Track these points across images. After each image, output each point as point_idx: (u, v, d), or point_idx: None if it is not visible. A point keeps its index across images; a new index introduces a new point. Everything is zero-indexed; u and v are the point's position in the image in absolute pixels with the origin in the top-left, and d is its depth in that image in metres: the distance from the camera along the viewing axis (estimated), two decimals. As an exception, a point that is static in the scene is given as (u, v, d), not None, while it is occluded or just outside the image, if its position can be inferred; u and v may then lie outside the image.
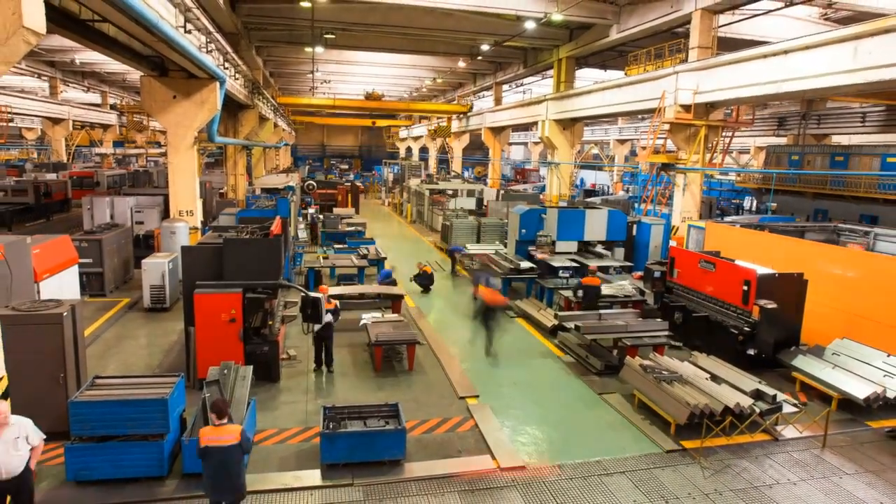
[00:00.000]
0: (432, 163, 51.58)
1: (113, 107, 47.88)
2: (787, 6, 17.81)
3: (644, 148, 20.36)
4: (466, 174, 50.61)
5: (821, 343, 10.88)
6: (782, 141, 31.53)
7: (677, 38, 19.80)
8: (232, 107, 23.83)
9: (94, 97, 47.22)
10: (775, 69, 14.27)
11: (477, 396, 9.63)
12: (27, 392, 7.25)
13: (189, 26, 12.94)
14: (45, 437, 5.82)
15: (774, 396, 8.73)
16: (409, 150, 62.30)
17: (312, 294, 9.47)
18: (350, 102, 41.48)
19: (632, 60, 21.66)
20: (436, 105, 47.16)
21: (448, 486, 7.07)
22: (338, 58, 34.58)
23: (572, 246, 16.73)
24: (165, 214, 18.16)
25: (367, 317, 11.86)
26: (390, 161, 53.71)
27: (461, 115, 41.71)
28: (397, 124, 62.38)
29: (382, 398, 9.43)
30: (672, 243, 17.05)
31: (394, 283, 15.13)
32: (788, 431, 8.63)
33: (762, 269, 11.08)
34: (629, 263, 16.94)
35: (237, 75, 20.35)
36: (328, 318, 10.19)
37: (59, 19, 9.96)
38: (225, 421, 5.80)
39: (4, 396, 5.88)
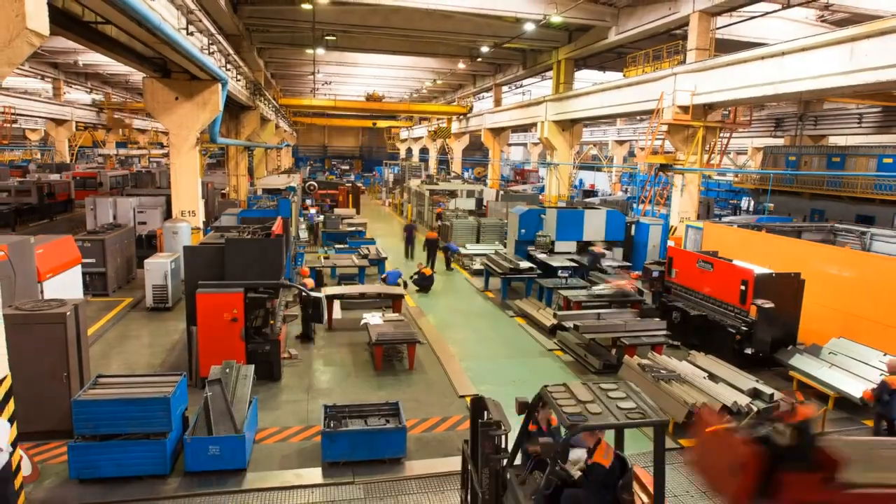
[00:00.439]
0: (432, 164, 51.58)
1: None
2: (784, 8, 17.79)
3: (642, 149, 20.36)
4: (466, 175, 50.60)
5: (818, 342, 10.88)
6: (780, 142, 31.54)
7: (675, 40, 19.81)
8: (234, 108, 23.83)
9: (97, 98, 47.17)
10: (772, 71, 14.28)
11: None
12: (31, 391, 7.25)
13: (191, 28, 12.94)
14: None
15: (772, 395, 8.73)
16: (409, 150, 62.32)
17: (313, 294, 9.48)
18: (351, 104, 41.38)
19: (630, 62, 21.67)
20: (435, 106, 46.72)
21: (448, 484, 7.06)
22: (339, 59, 34.57)
23: (571, 246, 16.74)
24: (168, 215, 18.16)
25: (368, 316, 11.87)
26: (391, 162, 53.74)
27: (461, 117, 41.54)
28: (398, 125, 62.39)
29: (383, 397, 9.43)
30: (670, 243, 17.05)
31: (404, 284, 15.10)
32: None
33: (759, 269, 11.09)
34: (628, 263, 16.95)
35: (239, 77, 20.36)
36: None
37: (62, 21, 9.95)
38: None
39: (8, 395, 5.89)
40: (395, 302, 13.62)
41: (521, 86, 38.88)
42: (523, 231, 17.15)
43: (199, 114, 15.56)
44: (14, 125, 37.97)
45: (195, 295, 9.10)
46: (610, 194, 41.41)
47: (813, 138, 29.33)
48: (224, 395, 7.39)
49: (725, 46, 18.65)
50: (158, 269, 13.55)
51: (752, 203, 30.78)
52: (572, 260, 15.94)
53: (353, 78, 41.76)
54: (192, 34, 12.99)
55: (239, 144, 24.79)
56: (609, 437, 5.28)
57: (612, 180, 49.80)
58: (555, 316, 12.38)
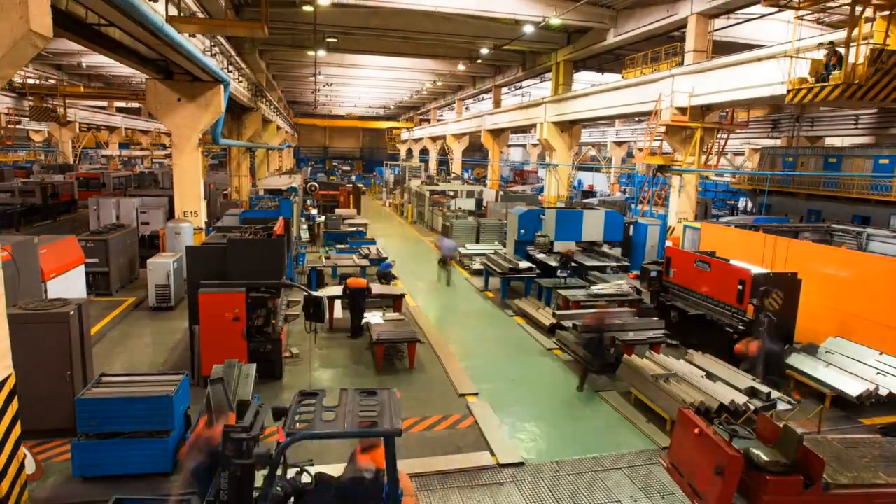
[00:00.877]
0: (432, 164, 51.59)
1: (11, 87, 30.03)
2: (780, 10, 17.78)
3: (641, 150, 20.35)
4: (466, 175, 50.60)
5: (814, 341, 10.88)
6: (777, 143, 31.52)
7: (673, 42, 19.79)
8: (236, 109, 23.85)
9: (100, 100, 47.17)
10: (769, 72, 14.27)
11: (476, 394, 9.63)
12: (35, 390, 7.25)
13: (193, 30, 12.95)
14: None
15: (769, 394, 8.73)
16: (409, 151, 62.32)
17: (315, 293, 9.47)
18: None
19: (628, 64, 21.66)
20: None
21: (448, 482, 7.07)
22: (340, 61, 34.55)
23: (570, 246, 16.73)
24: (170, 215, 18.16)
25: (369, 316, 11.87)
26: (391, 162, 53.71)
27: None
28: (399, 126, 62.44)
29: (383, 396, 9.44)
30: (668, 243, 17.05)
31: (391, 275, 15.41)
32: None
33: (757, 269, 11.09)
34: (626, 263, 16.95)
35: (241, 78, 20.37)
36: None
37: (65, 23, 9.95)
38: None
39: (12, 394, 5.89)
40: (395, 301, 13.62)
41: (521, 87, 38.88)
42: (522, 231, 17.15)
43: (201, 115, 15.57)
44: (18, 126, 37.90)
45: (197, 294, 9.10)
46: (608, 195, 41.42)
47: (810, 139, 29.32)
48: (226, 393, 7.36)
49: (723, 48, 18.64)
50: (161, 268, 13.55)
51: (750, 203, 30.79)
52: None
53: (354, 80, 41.75)
54: (194, 36, 13.00)
55: (241, 145, 24.81)
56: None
57: (611, 181, 49.79)
58: (554, 315, 12.38)
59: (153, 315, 13.32)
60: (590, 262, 15.97)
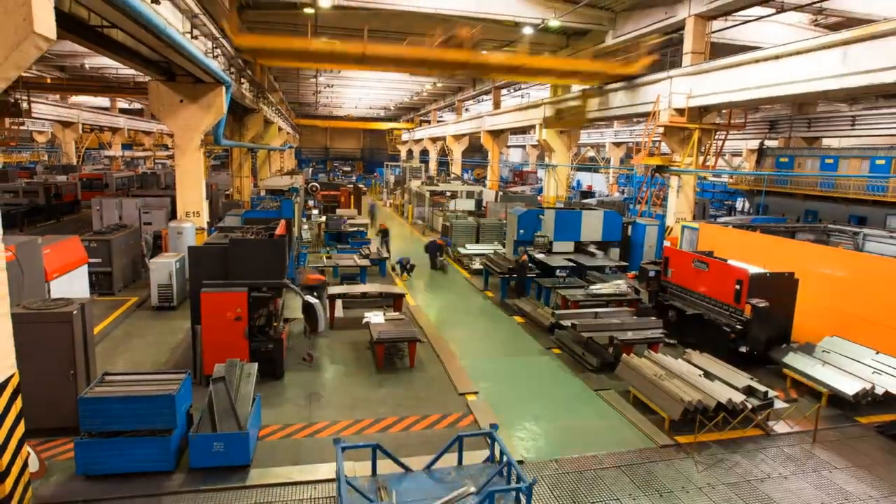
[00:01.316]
0: (433, 165, 51.58)
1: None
2: (778, 13, 17.78)
3: (639, 150, 20.33)
4: (466, 176, 50.58)
5: (811, 341, 10.89)
6: (774, 144, 31.51)
7: (672, 45, 19.78)
8: (237, 110, 23.83)
9: (104, 101, 47.21)
10: (767, 74, 14.27)
11: (476, 393, 9.64)
12: (38, 388, 7.25)
13: (195, 32, 12.95)
14: None
15: (766, 393, 8.72)
16: (409, 152, 62.31)
17: (310, 299, 9.47)
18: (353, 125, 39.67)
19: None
20: (574, 63, 21.44)
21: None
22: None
23: (569, 246, 16.74)
24: (173, 215, 18.16)
25: (370, 315, 11.86)
26: (392, 163, 53.69)
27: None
28: (400, 127, 62.41)
29: (384, 395, 9.45)
30: (666, 243, 17.05)
31: (412, 267, 17.27)
32: (780, 427, 8.63)
33: (754, 269, 11.09)
34: (624, 263, 16.95)
35: (242, 80, 20.35)
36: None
37: (68, 25, 9.95)
38: None
39: (16, 393, 5.89)
40: (396, 301, 13.62)
41: (520, 88, 38.86)
42: (522, 231, 17.14)
43: (203, 116, 15.57)
44: (22, 127, 37.92)
45: (200, 294, 9.11)
46: (607, 195, 41.40)
47: (807, 140, 29.32)
48: (228, 392, 7.38)
49: (721, 50, 18.64)
50: (163, 268, 13.55)
51: (747, 204, 30.79)
52: (570, 260, 15.91)
53: (355, 81, 41.71)
54: (196, 38, 13.00)
55: (243, 146, 24.79)
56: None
57: (609, 181, 49.79)
58: (553, 315, 12.39)
59: (155, 315, 13.32)
60: (587, 262, 15.96)
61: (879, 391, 9.19)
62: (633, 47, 20.21)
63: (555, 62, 21.38)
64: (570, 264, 15.64)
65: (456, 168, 46.10)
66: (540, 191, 34.77)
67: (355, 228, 23.06)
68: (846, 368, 9.71)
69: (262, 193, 24.56)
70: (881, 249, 15.99)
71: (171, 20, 10.91)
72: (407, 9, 19.19)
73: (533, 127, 29.38)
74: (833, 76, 12.57)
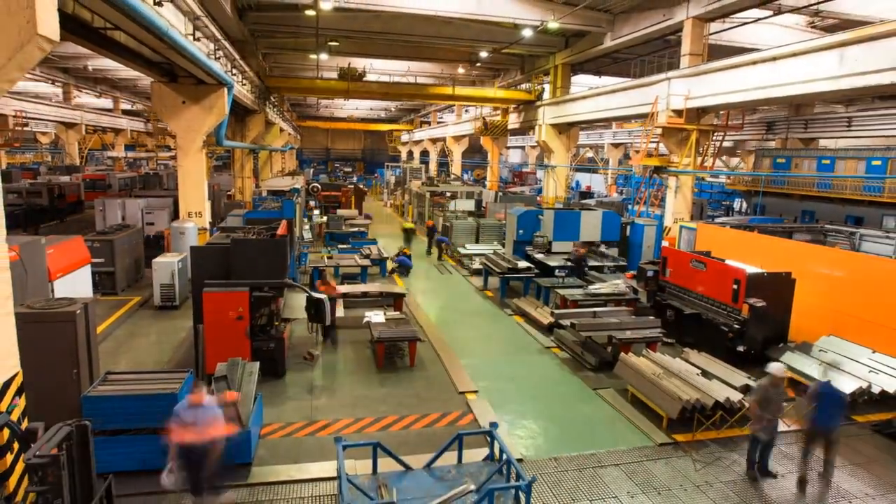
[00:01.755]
0: (433, 166, 51.56)
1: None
2: (775, 15, 17.78)
3: (637, 151, 20.33)
4: (465, 177, 50.57)
5: (808, 340, 10.89)
6: (771, 145, 31.51)
7: (670, 46, 19.78)
8: (239, 112, 23.83)
9: (107, 102, 47.20)
10: (764, 75, 14.27)
11: (476, 391, 9.64)
12: (42, 387, 7.24)
13: (198, 34, 12.95)
14: None
15: (763, 391, 8.71)
16: (409, 153, 62.29)
17: (316, 295, 9.47)
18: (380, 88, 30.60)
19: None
20: (485, 91, 30.47)
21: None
22: (341, 64, 34.53)
23: (568, 246, 16.74)
24: (175, 216, 18.16)
25: (370, 314, 11.86)
26: (392, 164, 53.67)
27: (520, 107, 29.53)
28: (400, 128, 62.38)
29: (385, 394, 9.45)
30: (664, 243, 17.05)
31: (409, 267, 17.77)
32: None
33: (751, 269, 11.09)
34: (623, 263, 16.95)
35: (244, 81, 20.36)
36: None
37: (72, 27, 9.95)
38: None
39: (20, 392, 5.88)
40: (396, 301, 13.62)
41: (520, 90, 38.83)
42: (521, 231, 17.15)
43: (205, 117, 15.56)
44: (25, 128, 37.91)
45: (202, 294, 9.10)
46: (606, 196, 41.40)
47: (804, 141, 29.33)
48: (230, 391, 7.38)
49: (718, 52, 18.64)
50: (166, 268, 13.55)
51: (745, 204, 30.78)
52: (569, 260, 15.90)
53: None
54: (198, 40, 13.00)
55: (244, 147, 24.79)
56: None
57: (608, 182, 49.79)
58: (552, 314, 12.39)
59: (158, 314, 13.32)
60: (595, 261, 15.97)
61: (876, 390, 9.19)
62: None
63: (476, 92, 30.49)
64: (569, 264, 15.64)
65: (456, 169, 46.09)
66: (539, 191, 34.75)
67: (356, 229, 23.06)
68: (843, 367, 9.70)
69: (264, 194, 24.54)
70: (877, 249, 16.02)
71: (173, 22, 10.91)
72: (407, 11, 19.20)
73: (532, 128, 29.39)
74: (830, 78, 12.56)
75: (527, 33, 20.90)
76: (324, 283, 12.35)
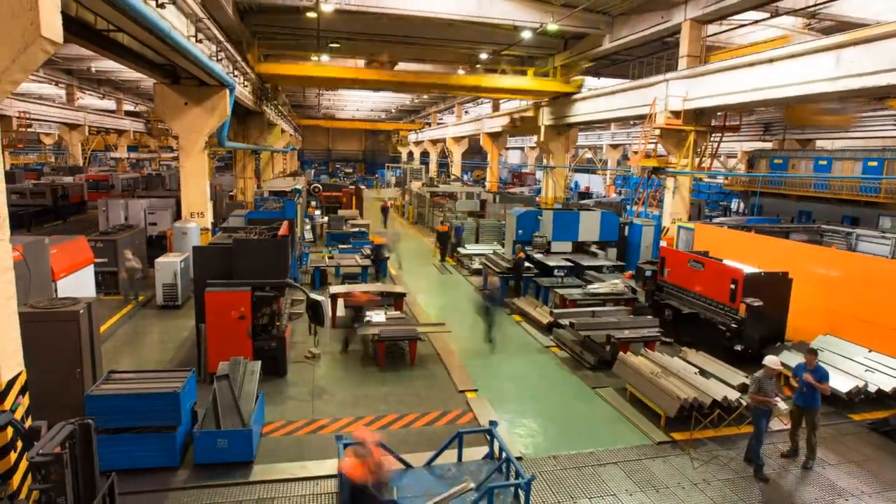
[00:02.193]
0: (433, 167, 51.57)
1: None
2: (772, 17, 17.77)
3: (636, 152, 20.34)
4: (465, 178, 50.56)
5: (805, 339, 10.89)
6: (768, 145, 31.53)
7: (668, 48, 19.78)
8: (241, 113, 23.82)
9: (110, 104, 47.21)
10: (761, 77, 14.27)
11: (476, 390, 9.64)
12: (45, 386, 7.24)
13: (200, 36, 12.93)
14: None
15: (760, 390, 8.71)
16: (410, 154, 62.30)
17: (315, 297, 9.48)
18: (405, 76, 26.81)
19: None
20: (517, 82, 25.51)
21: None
22: (342, 66, 34.53)
23: (567, 246, 16.73)
24: (177, 216, 18.15)
25: (371, 314, 11.85)
26: (393, 165, 53.70)
27: (554, 100, 26.26)
28: (405, 127, 62.42)
29: (385, 392, 9.45)
30: (662, 244, 17.05)
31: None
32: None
33: (749, 269, 11.09)
34: (621, 263, 16.95)
35: (246, 83, 20.35)
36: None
37: (75, 29, 9.95)
38: None
39: (23, 391, 5.88)
40: (396, 300, 13.61)
41: (519, 91, 38.80)
42: (521, 232, 17.14)
43: (207, 118, 15.56)
44: (29, 129, 37.90)
45: (204, 293, 9.10)
46: (604, 196, 41.40)
47: (801, 142, 29.33)
48: (232, 390, 7.39)
49: (716, 54, 18.65)
50: (168, 268, 13.55)
51: (742, 205, 30.77)
52: (568, 260, 15.89)
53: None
54: (200, 41, 12.98)
55: (246, 148, 24.78)
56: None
57: (607, 183, 49.78)
58: (551, 314, 12.39)
59: (161, 314, 13.32)
60: (585, 262, 15.96)
61: (872, 389, 9.20)
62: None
63: (505, 83, 25.44)
64: (568, 264, 15.64)
65: (456, 169, 46.10)
66: (538, 192, 34.76)
67: (357, 229, 23.06)
68: (839, 366, 9.71)
69: (266, 194, 24.54)
70: (873, 249, 16.00)
71: (175, 24, 10.90)
72: (407, 13, 19.21)
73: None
74: (826, 79, 12.56)
75: (526, 35, 20.90)
76: (349, 296, 12.20)
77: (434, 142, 52.25)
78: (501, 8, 19.51)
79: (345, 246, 19.97)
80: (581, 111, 23.68)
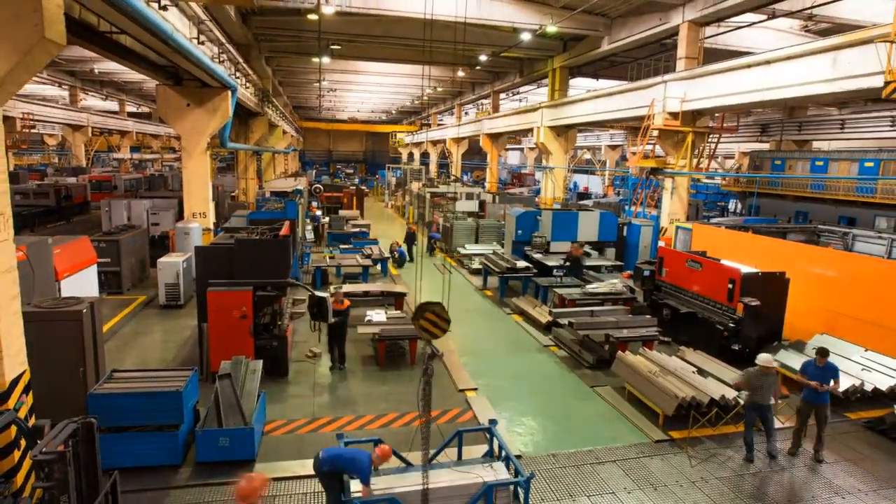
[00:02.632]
0: (433, 167, 51.54)
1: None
2: (769, 19, 17.77)
3: (634, 153, 20.35)
4: (465, 178, 50.53)
5: (802, 338, 10.90)
6: (766, 146, 31.50)
7: (666, 50, 19.77)
8: (243, 114, 23.83)
9: (113, 105, 47.22)
10: (758, 78, 14.26)
11: (475, 389, 9.64)
12: (49, 385, 7.24)
13: (202, 38, 12.94)
14: None
15: (758, 389, 8.70)
16: (410, 154, 62.26)
17: (319, 293, 9.47)
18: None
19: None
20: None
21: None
22: (343, 67, 34.55)
23: (566, 246, 16.73)
24: (180, 216, 18.15)
25: (372, 313, 11.86)
26: (393, 165, 53.65)
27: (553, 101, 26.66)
28: (403, 129, 62.42)
29: (386, 391, 9.45)
30: (661, 244, 17.05)
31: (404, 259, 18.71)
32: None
33: (746, 269, 11.09)
34: (620, 263, 16.96)
35: (248, 84, 20.37)
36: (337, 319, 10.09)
37: (78, 31, 9.94)
38: None
39: (27, 389, 5.89)
40: (397, 300, 13.61)
41: (518, 93, 38.86)
42: (520, 232, 17.15)
43: (209, 120, 15.56)
44: (32, 130, 37.90)
45: (206, 293, 9.10)
46: (603, 197, 41.38)
47: (798, 143, 29.31)
48: (234, 389, 7.39)
49: (714, 55, 18.64)
50: (171, 268, 13.55)
51: (739, 205, 30.78)
52: (567, 260, 15.87)
53: (357, 85, 41.72)
54: (203, 43, 12.99)
55: (248, 149, 24.79)
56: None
57: (605, 183, 49.77)
58: (550, 313, 12.38)
59: (163, 313, 13.32)
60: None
61: (868, 388, 9.19)
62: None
63: None
64: (566, 264, 15.64)
65: (456, 170, 46.09)
66: (537, 192, 34.75)
67: (357, 229, 23.05)
68: (836, 365, 9.69)
69: (267, 195, 24.51)
70: (869, 249, 16.02)
71: (178, 26, 10.91)
72: (407, 15, 19.20)
73: (531, 130, 29.38)
74: (823, 80, 12.55)
75: (525, 37, 20.91)
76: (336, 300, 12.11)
77: (434, 142, 52.22)
78: (501, 10, 19.51)
79: (346, 246, 19.96)
80: (580, 112, 23.65)
